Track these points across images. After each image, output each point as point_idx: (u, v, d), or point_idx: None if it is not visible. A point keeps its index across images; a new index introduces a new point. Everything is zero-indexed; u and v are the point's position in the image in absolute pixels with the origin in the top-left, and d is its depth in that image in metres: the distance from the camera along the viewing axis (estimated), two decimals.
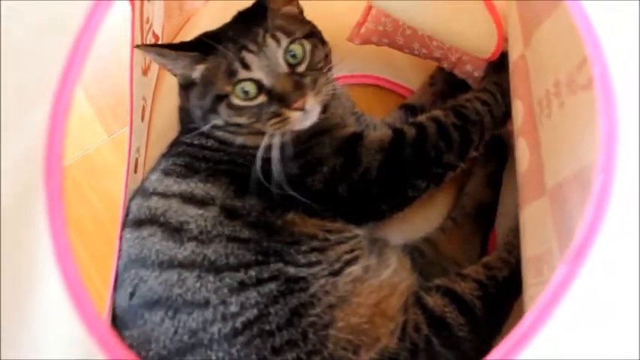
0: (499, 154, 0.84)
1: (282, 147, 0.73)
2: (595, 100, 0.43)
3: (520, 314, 0.59)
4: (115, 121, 1.07)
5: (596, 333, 0.35)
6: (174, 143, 0.82)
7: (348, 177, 0.73)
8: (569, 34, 0.50)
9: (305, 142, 0.75)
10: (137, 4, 0.72)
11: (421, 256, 0.84)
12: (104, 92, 1.08)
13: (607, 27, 0.31)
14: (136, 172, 0.82)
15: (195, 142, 0.78)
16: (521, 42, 0.66)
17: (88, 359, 0.35)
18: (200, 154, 0.76)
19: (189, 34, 1.01)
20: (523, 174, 0.69)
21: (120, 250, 0.70)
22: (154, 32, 0.87)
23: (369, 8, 0.97)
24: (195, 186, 0.71)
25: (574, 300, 0.34)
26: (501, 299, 0.72)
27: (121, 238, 0.72)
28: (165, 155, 0.80)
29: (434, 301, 0.70)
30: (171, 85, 0.97)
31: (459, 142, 0.76)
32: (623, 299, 0.35)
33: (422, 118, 0.79)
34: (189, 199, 0.70)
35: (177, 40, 1.01)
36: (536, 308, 0.33)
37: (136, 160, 0.83)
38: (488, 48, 0.81)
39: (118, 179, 0.76)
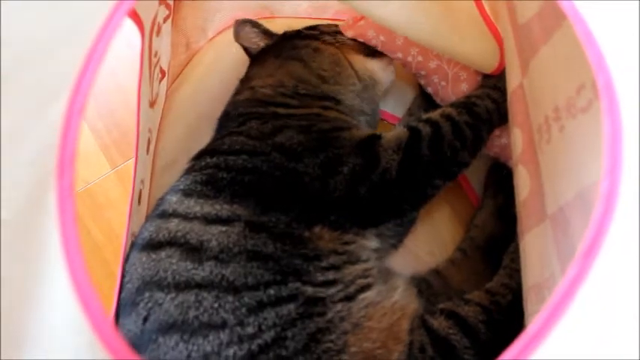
0: (508, 187, 0.85)
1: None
2: (597, 116, 0.44)
3: None
4: (119, 154, 1.08)
5: (595, 333, 0.36)
6: (198, 156, 0.81)
7: (368, 178, 0.74)
8: (567, 59, 0.52)
9: (328, 132, 0.78)
10: (147, 36, 0.74)
11: (428, 287, 0.83)
12: (108, 126, 1.09)
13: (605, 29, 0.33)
14: (139, 203, 0.83)
15: (225, 145, 0.78)
16: (519, 71, 0.68)
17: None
18: (224, 163, 0.75)
19: (193, 71, 1.05)
20: (523, 202, 0.70)
21: (125, 275, 0.69)
22: (160, 67, 0.89)
23: None
24: (221, 208, 0.70)
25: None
26: (506, 324, 0.72)
27: (123, 266, 0.70)
28: (186, 172, 0.78)
29: (438, 322, 0.69)
30: (176, 117, 0.99)
31: (471, 139, 0.78)
32: (623, 299, 0.36)
33: (435, 115, 0.80)
34: (213, 220, 0.69)
35: (181, 77, 1.04)
36: (548, 307, 0.34)
37: (140, 191, 0.83)
38: (492, 63, 0.83)
39: (120, 211, 0.76)
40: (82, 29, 0.36)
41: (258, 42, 0.97)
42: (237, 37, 0.98)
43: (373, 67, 0.94)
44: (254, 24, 0.98)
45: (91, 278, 0.32)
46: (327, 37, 0.94)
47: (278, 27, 0.99)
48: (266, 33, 0.98)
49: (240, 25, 0.97)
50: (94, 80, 0.33)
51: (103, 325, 0.32)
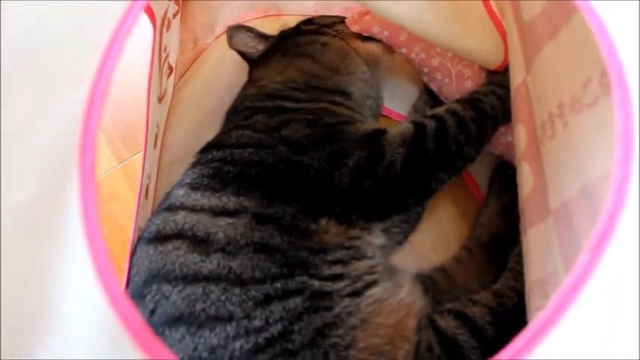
0: (513, 185, 0.86)
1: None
2: (602, 111, 0.45)
3: None
4: (126, 149, 1.09)
5: (598, 331, 0.36)
6: (204, 149, 0.82)
7: (373, 171, 0.75)
8: (573, 55, 0.53)
9: (333, 126, 0.79)
10: (158, 31, 0.75)
11: (434, 285, 0.84)
12: (115, 120, 1.10)
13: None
14: (146, 197, 0.84)
15: (232, 138, 0.79)
16: (523, 68, 0.69)
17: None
18: (230, 156, 0.76)
19: (201, 68, 1.05)
20: (526, 198, 0.70)
21: (132, 268, 0.70)
22: (169, 63, 0.90)
23: None
24: (228, 200, 0.71)
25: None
26: (512, 325, 0.72)
27: (131, 259, 0.71)
28: (192, 166, 0.79)
29: (446, 322, 0.70)
30: (184, 113, 1.00)
31: (476, 134, 0.79)
32: (624, 299, 0.36)
33: (440, 111, 0.81)
34: (220, 212, 0.69)
35: (188, 74, 1.05)
36: (552, 304, 0.34)
37: (147, 186, 0.84)
38: (497, 59, 0.84)
39: (126, 205, 0.76)
40: (99, 18, 0.37)
41: (256, 46, 0.97)
42: (230, 43, 0.97)
43: (374, 49, 0.95)
44: (247, 28, 0.98)
45: (111, 256, 0.33)
46: (327, 29, 0.95)
47: (284, 25, 1.00)
48: (261, 36, 0.98)
49: (234, 30, 0.97)
50: (117, 63, 0.34)
51: (122, 303, 0.33)
